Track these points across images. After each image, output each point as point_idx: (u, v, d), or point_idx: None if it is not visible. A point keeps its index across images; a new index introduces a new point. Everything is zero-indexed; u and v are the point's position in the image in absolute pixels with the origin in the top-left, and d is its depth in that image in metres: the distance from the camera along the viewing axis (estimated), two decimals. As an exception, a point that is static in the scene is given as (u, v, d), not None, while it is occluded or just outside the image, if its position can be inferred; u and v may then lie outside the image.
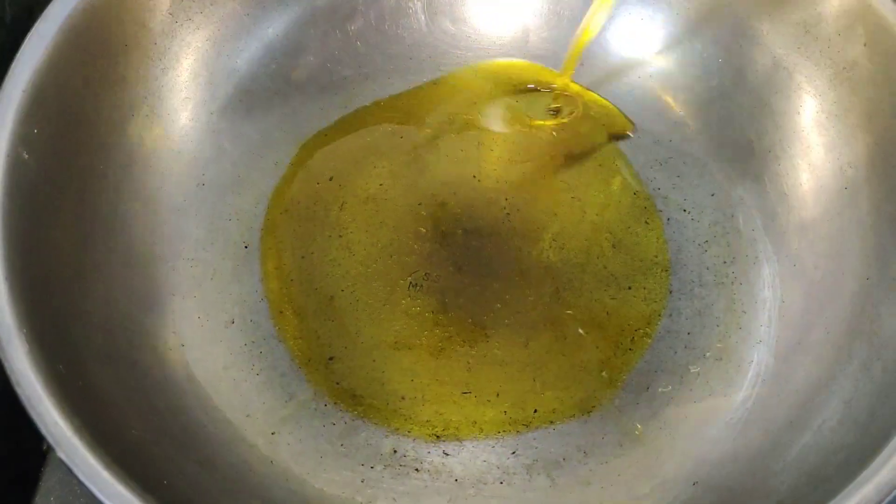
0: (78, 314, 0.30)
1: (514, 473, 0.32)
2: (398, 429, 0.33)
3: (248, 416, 0.32)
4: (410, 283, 0.36)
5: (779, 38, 0.37)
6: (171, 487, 0.27)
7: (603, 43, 0.40)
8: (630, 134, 0.33)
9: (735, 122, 0.38)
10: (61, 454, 0.23)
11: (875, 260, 0.33)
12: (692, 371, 0.34)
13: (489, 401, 0.34)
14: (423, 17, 0.40)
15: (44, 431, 0.24)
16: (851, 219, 0.34)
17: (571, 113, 0.33)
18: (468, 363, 0.34)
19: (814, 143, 0.36)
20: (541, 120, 0.33)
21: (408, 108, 0.40)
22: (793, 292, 0.35)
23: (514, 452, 0.33)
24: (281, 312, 0.35)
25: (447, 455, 0.32)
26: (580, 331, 0.35)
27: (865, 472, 0.25)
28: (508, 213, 0.38)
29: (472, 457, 0.33)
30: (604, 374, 0.34)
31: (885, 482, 0.25)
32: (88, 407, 0.26)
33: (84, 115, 0.33)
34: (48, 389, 0.25)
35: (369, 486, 0.32)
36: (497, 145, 0.39)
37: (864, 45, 0.34)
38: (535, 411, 0.33)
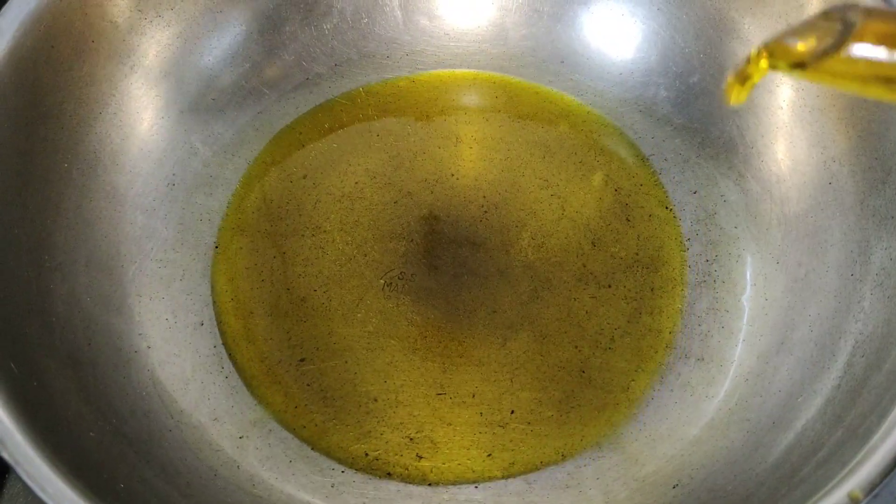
0: (36, 313, 0.29)
1: (490, 477, 0.31)
2: (370, 431, 0.32)
3: (215, 419, 0.32)
4: (385, 282, 0.35)
5: (760, 31, 0.36)
6: (129, 492, 0.26)
7: (584, 40, 0.40)
8: None
9: (717, 118, 0.38)
10: (4, 453, 0.22)
11: (859, 255, 0.32)
12: (674, 371, 0.33)
13: (464, 402, 0.33)
14: (399, 14, 0.40)
15: (-13, 430, 0.23)
16: (835, 214, 0.33)
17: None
18: (443, 364, 0.33)
19: (797, 138, 0.35)
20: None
21: (384, 106, 0.39)
22: (776, 290, 0.34)
23: (489, 455, 0.32)
24: (251, 313, 0.34)
25: (421, 458, 0.32)
26: (559, 330, 0.34)
27: (847, 471, 0.24)
28: (486, 211, 0.37)
29: (447, 460, 0.32)
30: (583, 374, 0.33)
31: (868, 481, 0.24)
32: (42, 407, 0.26)
33: (48, 113, 0.32)
34: (-5, 387, 0.24)
35: (340, 491, 0.31)
36: (476, 143, 0.39)
37: (846, 36, 0.33)
38: (512, 412, 0.32)
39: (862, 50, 0.19)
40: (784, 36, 0.21)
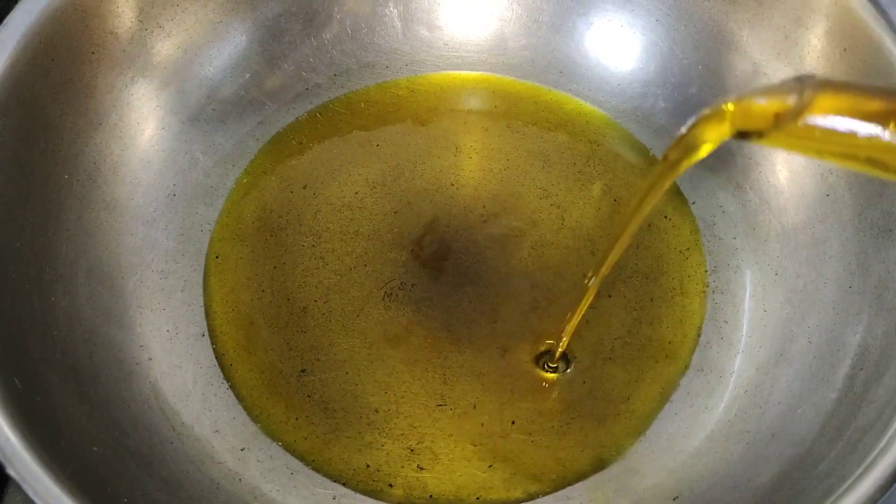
0: (38, 327, 0.29)
1: (491, 488, 0.31)
2: (371, 443, 0.32)
3: (216, 431, 0.32)
4: (385, 293, 0.35)
5: (759, 43, 0.37)
6: (132, 506, 0.26)
7: (582, 50, 0.40)
8: None
9: (715, 129, 0.38)
10: (11, 470, 0.22)
11: (857, 267, 0.32)
12: (673, 382, 0.33)
13: (465, 413, 0.33)
14: (398, 25, 0.40)
15: (-7, 447, 0.23)
16: (833, 226, 0.34)
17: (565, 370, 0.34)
18: (444, 374, 0.33)
19: (795, 149, 0.36)
20: (544, 372, 0.34)
21: (384, 115, 0.39)
22: (775, 301, 0.34)
23: (490, 466, 0.32)
24: (252, 324, 0.34)
25: (422, 469, 0.32)
26: (558, 340, 0.34)
27: (847, 486, 0.25)
28: (486, 221, 0.37)
29: (448, 471, 0.32)
30: (583, 384, 0.33)
31: (866, 495, 0.24)
32: (46, 422, 0.26)
33: (49, 124, 0.32)
34: (1, 403, 0.24)
35: None
36: (475, 152, 0.39)
37: (844, 49, 0.34)
38: (513, 423, 0.33)
39: (816, 121, 0.19)
40: (743, 99, 0.21)
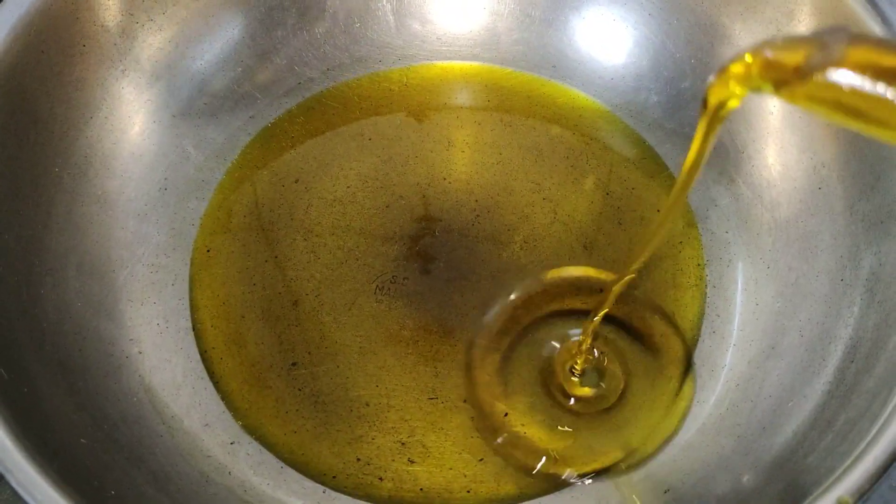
0: (27, 318, 0.29)
1: (482, 482, 0.31)
2: (362, 436, 0.32)
3: (206, 425, 0.31)
4: (377, 286, 0.35)
5: (751, 36, 0.36)
6: (120, 499, 0.26)
7: (575, 44, 0.40)
8: None
9: (708, 123, 0.38)
10: (-6, 462, 0.22)
11: (849, 261, 0.32)
12: (665, 375, 0.33)
13: (456, 406, 0.33)
14: (391, 19, 0.40)
15: (-23, 438, 0.23)
16: (825, 219, 0.33)
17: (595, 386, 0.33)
18: (435, 368, 0.33)
19: (787, 142, 0.36)
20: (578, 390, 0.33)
21: (376, 109, 0.39)
22: (767, 295, 0.34)
23: (481, 460, 0.32)
24: (243, 317, 0.34)
25: (412, 463, 0.32)
26: (551, 334, 0.34)
27: (837, 476, 0.25)
28: (478, 215, 0.37)
29: (439, 464, 0.32)
30: (575, 378, 0.33)
31: (857, 486, 0.24)
32: (32, 414, 0.26)
33: (39, 117, 0.32)
34: (-15, 395, 0.24)
35: (331, 497, 0.31)
36: (468, 146, 0.39)
37: (836, 42, 0.34)
38: (506, 415, 0.32)
39: (839, 76, 0.18)
40: (766, 49, 0.20)
